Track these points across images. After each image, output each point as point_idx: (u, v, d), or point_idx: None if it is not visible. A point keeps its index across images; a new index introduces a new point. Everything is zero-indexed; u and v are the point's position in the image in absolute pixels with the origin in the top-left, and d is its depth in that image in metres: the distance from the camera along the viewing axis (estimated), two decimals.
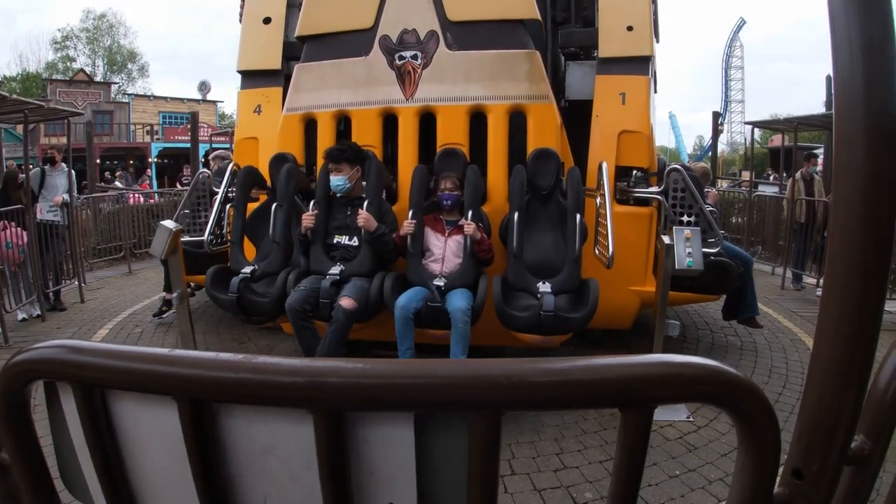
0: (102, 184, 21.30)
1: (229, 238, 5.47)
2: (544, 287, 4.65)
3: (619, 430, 0.78)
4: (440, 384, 0.75)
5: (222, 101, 41.22)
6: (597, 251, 4.92)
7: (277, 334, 6.45)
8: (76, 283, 8.51)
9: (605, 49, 5.72)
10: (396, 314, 4.54)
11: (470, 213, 4.86)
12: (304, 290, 4.67)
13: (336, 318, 4.52)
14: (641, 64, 5.72)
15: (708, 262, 5.11)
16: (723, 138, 51.90)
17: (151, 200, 13.54)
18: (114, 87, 41.57)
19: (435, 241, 4.98)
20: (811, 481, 0.83)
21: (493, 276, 4.77)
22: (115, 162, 31.61)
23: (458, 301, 4.53)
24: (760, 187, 16.69)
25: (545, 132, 5.22)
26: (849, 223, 0.78)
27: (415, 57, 5.31)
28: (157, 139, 33.96)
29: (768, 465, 0.80)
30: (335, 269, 4.83)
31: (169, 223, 5.28)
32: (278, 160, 5.42)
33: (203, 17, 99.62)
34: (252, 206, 5.60)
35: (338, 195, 5.06)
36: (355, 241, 4.96)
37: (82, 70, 41.80)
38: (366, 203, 4.92)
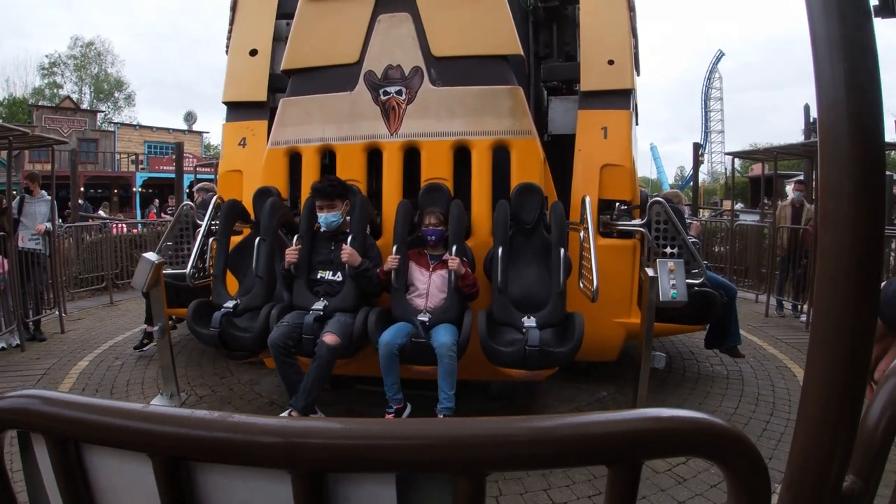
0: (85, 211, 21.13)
1: (212, 271, 5.43)
2: (529, 321, 4.64)
3: (606, 485, 0.77)
4: (422, 445, 0.74)
5: (208, 132, 41.48)
6: (581, 285, 4.94)
7: (260, 369, 6.39)
8: (57, 312, 8.40)
9: (587, 82, 5.82)
10: (381, 350, 4.50)
11: (454, 247, 4.86)
12: (287, 325, 4.63)
13: (319, 354, 4.48)
14: (622, 98, 5.81)
15: (692, 292, 5.15)
16: (704, 168, 52.38)
17: (135, 231, 13.45)
18: (100, 116, 41.57)
19: (419, 275, 4.97)
20: None
21: (478, 310, 4.76)
22: (100, 191, 31.46)
23: (444, 336, 4.51)
24: (742, 216, 16.90)
25: (528, 167, 5.25)
26: (838, 270, 0.78)
27: (399, 92, 5.35)
28: (142, 168, 33.89)
29: None
30: (319, 305, 4.80)
31: (151, 255, 5.26)
32: (262, 194, 5.41)
33: (188, 45, 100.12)
34: (235, 240, 5.58)
35: (322, 230, 5.05)
36: (339, 277, 4.93)
37: (69, 97, 41.84)
38: (350, 238, 4.91)
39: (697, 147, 20.08)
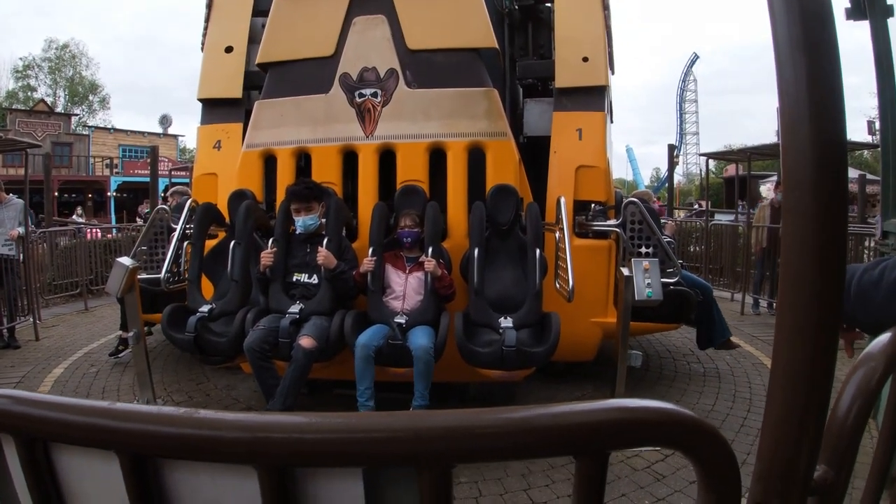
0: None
1: (187, 276, 5.38)
2: (506, 322, 4.66)
3: (574, 476, 0.77)
4: (385, 438, 0.73)
5: (183, 136, 40.91)
6: (557, 285, 4.96)
7: (237, 374, 6.34)
8: (31, 319, 8.27)
9: (562, 79, 5.84)
10: (357, 353, 4.49)
11: (430, 249, 4.86)
12: (263, 329, 4.60)
13: (296, 358, 4.45)
14: (597, 99, 5.84)
15: (667, 291, 5.21)
16: (679, 170, 52.95)
17: (109, 236, 13.31)
18: (74, 119, 41.00)
19: (396, 278, 4.97)
20: None
21: (454, 312, 4.76)
22: (74, 195, 31.09)
23: (421, 339, 4.50)
24: (717, 216, 17.09)
25: (504, 168, 5.28)
26: (801, 261, 0.78)
27: (374, 94, 5.35)
28: (117, 172, 33.52)
29: None
30: (295, 308, 4.77)
31: (125, 260, 5.18)
32: (237, 197, 5.37)
33: (162, 52, 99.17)
34: (210, 244, 5.53)
35: (298, 233, 5.02)
36: (315, 279, 4.91)
37: (43, 100, 41.19)
38: (325, 240, 4.88)
39: (672, 148, 20.27)
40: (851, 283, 1.25)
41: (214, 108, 6.34)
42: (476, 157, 5.35)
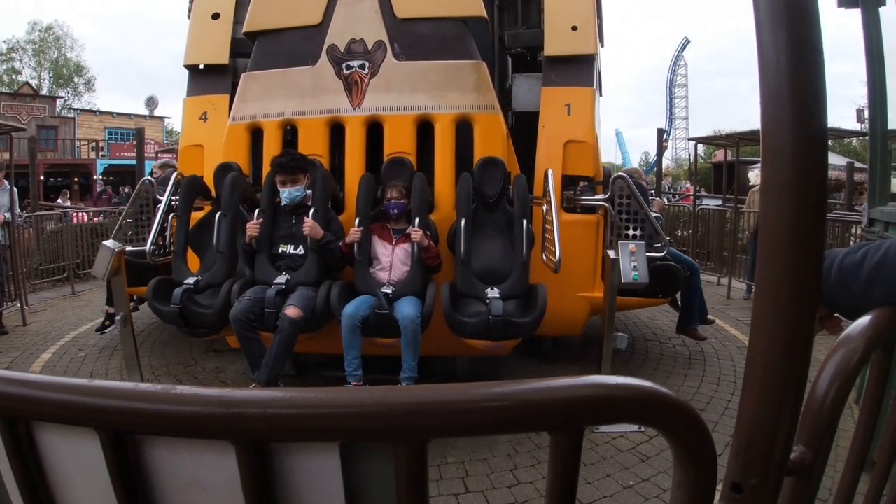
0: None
1: (172, 248, 5.33)
2: (492, 293, 4.66)
3: (550, 452, 0.77)
4: (360, 413, 0.73)
5: (170, 118, 40.29)
6: (544, 258, 4.97)
7: (225, 356, 6.35)
8: (18, 305, 8.22)
9: (551, 48, 5.82)
10: (343, 322, 4.47)
11: (417, 220, 4.86)
12: (249, 300, 4.57)
13: (281, 328, 4.43)
14: (586, 74, 5.82)
15: (655, 266, 5.23)
16: (668, 154, 53.14)
17: (96, 219, 13.15)
18: (59, 102, 40.58)
19: (382, 249, 4.95)
20: (750, 495, 0.83)
21: (441, 283, 4.77)
22: (60, 179, 30.80)
23: (407, 308, 4.50)
24: (704, 200, 17.15)
25: (491, 141, 5.27)
26: (777, 236, 0.78)
27: (362, 66, 5.33)
28: (103, 155, 33.20)
29: (704, 483, 0.79)
30: (281, 279, 4.75)
31: (111, 243, 5.13)
32: (223, 169, 5.33)
33: (149, 30, 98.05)
34: (196, 216, 5.49)
35: (284, 204, 4.99)
36: (301, 251, 4.89)
37: (27, 83, 40.60)
38: (311, 211, 4.86)
39: (661, 132, 20.27)
40: (832, 267, 1.23)
41: (201, 78, 6.29)
42: (464, 130, 5.34)
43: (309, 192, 5.00)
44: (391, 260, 4.89)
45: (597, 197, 5.59)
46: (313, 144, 5.36)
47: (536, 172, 5.57)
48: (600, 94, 6.60)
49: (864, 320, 1.11)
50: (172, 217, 5.45)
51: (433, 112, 5.29)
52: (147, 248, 5.20)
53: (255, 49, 5.66)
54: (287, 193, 4.89)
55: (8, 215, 7.79)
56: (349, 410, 0.73)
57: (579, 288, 5.48)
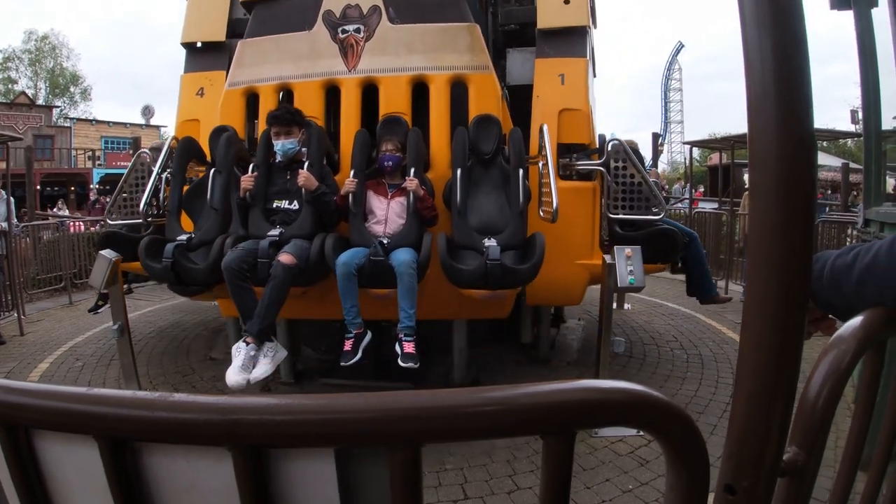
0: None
1: (167, 207, 5.30)
2: (490, 242, 4.64)
3: (542, 456, 0.78)
4: (355, 418, 0.74)
5: (166, 126, 40.23)
6: (541, 213, 4.94)
7: (222, 365, 6.31)
8: (15, 314, 8.18)
9: (544, 20, 5.84)
10: (338, 270, 4.43)
11: (413, 170, 4.85)
12: (242, 249, 4.51)
13: (274, 275, 4.36)
14: (579, 45, 5.84)
15: (653, 230, 5.27)
16: (663, 158, 53.23)
17: (93, 229, 13.13)
18: (55, 111, 40.62)
19: (377, 203, 4.93)
20: (744, 496, 0.83)
21: (437, 233, 4.74)
22: (56, 188, 30.79)
23: (403, 255, 4.47)
24: (700, 203, 17.18)
25: (486, 101, 5.29)
26: (765, 238, 0.78)
27: (357, 30, 5.37)
28: (99, 165, 33.20)
29: (697, 485, 0.80)
30: (274, 232, 4.70)
31: (108, 253, 5.13)
32: (218, 132, 5.32)
33: (144, 39, 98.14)
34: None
35: (279, 160, 4.95)
36: (296, 205, 4.85)
37: (24, 93, 40.62)
38: (307, 164, 4.84)
39: (657, 136, 20.33)
40: (825, 269, 1.24)
41: (198, 56, 6.33)
42: (459, 91, 5.36)
43: (304, 149, 4.97)
44: (386, 213, 4.87)
45: (592, 162, 5.59)
46: (309, 107, 5.34)
47: (531, 140, 5.53)
48: (594, 75, 6.65)
49: (856, 321, 1.12)
50: (166, 175, 5.42)
51: (428, 73, 5.32)
52: (141, 206, 5.20)
53: (252, 18, 5.71)
54: (280, 145, 4.84)
55: (4, 225, 7.82)
56: (344, 416, 0.74)
57: (577, 255, 5.43)
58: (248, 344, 4.38)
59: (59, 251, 10.83)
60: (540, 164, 5.04)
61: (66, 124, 38.16)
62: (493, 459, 4.33)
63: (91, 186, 30.91)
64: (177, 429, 0.76)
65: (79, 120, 39.56)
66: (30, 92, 43.38)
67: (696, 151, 19.04)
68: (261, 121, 5.34)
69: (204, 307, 9.14)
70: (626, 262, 4.88)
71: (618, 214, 5.48)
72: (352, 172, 4.88)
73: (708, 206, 15.87)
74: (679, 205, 18.41)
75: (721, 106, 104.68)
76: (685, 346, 6.85)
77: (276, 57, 5.50)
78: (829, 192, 21.62)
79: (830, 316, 1.35)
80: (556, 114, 5.59)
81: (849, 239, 9.08)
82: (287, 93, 5.61)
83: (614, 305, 7.43)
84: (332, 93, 5.48)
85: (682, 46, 65.70)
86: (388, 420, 0.73)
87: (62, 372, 6.48)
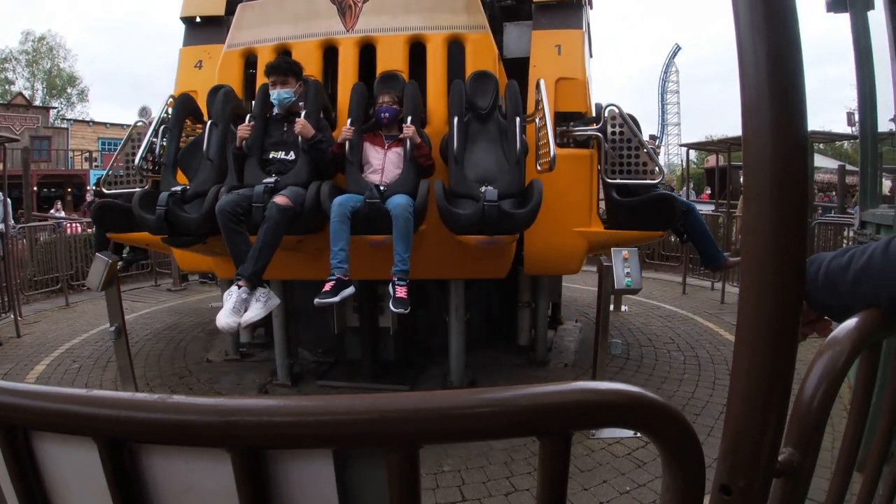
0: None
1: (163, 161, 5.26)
2: (487, 188, 4.59)
3: (539, 457, 0.78)
4: (353, 420, 0.74)
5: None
6: (538, 167, 4.89)
7: (220, 368, 6.34)
8: (12, 316, 8.17)
9: None
10: (333, 212, 4.38)
11: (410, 118, 4.84)
12: (237, 194, 4.48)
13: (269, 216, 4.31)
14: (575, 17, 5.88)
15: (651, 196, 5.28)
16: (660, 160, 53.20)
17: (90, 230, 13.10)
18: (52, 112, 40.59)
19: (374, 153, 4.92)
20: (739, 497, 0.84)
21: (434, 181, 4.73)
22: (53, 190, 30.73)
23: (399, 199, 4.44)
24: (699, 206, 17.16)
25: (483, 60, 5.30)
26: (759, 240, 0.79)
27: None
28: (96, 166, 33.07)
29: (693, 486, 0.81)
30: (270, 179, 4.66)
31: (105, 255, 5.12)
32: (216, 90, 5.31)
33: (142, 40, 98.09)
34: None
35: (276, 110, 4.94)
36: (292, 156, 4.82)
37: (21, 94, 40.61)
38: (303, 114, 4.82)
39: (654, 139, 20.33)
40: (820, 270, 1.25)
41: (197, 30, 6.37)
42: (455, 51, 5.39)
43: (301, 103, 4.95)
44: (383, 163, 4.86)
45: (589, 128, 5.57)
46: (307, 67, 5.31)
47: (528, 103, 5.53)
48: (591, 55, 6.67)
49: (851, 322, 1.13)
50: (162, 129, 5.40)
51: (425, 32, 5.36)
52: (136, 161, 5.17)
53: None
54: (276, 94, 4.82)
55: (1, 226, 7.80)
56: (341, 417, 0.74)
57: (575, 223, 5.40)
58: (240, 287, 4.32)
59: (55, 253, 10.81)
60: (537, 119, 5.02)
61: (63, 125, 38.13)
62: (491, 461, 4.33)
63: (88, 188, 30.74)
64: (175, 430, 0.77)
65: (76, 121, 39.54)
66: (27, 93, 43.37)
67: (692, 154, 19.16)
68: (258, 81, 5.32)
69: (201, 308, 9.15)
70: (623, 264, 4.87)
71: (615, 179, 5.48)
72: (349, 121, 4.88)
73: (705, 209, 15.91)
74: None
75: (718, 108, 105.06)
76: (682, 348, 6.88)
77: (274, 18, 5.55)
78: (833, 194, 21.66)
79: (826, 317, 1.35)
80: (553, 83, 5.58)
81: (845, 241, 9.11)
82: (285, 54, 5.55)
83: (611, 307, 7.49)
84: (330, 53, 5.51)
85: (679, 49, 65.89)
86: (384, 421, 0.74)
87: (59, 374, 6.48)
